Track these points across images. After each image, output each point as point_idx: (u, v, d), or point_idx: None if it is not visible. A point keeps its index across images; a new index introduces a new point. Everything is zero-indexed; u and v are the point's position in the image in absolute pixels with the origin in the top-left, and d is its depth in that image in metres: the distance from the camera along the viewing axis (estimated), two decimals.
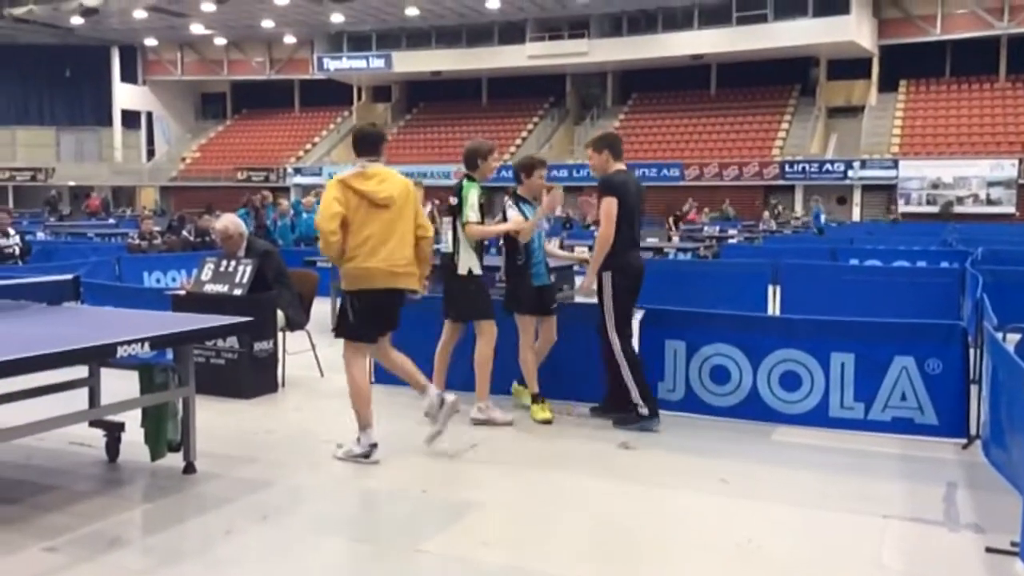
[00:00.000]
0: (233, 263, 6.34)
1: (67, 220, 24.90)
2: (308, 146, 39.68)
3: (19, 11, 32.35)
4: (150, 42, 39.22)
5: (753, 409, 5.59)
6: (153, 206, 35.92)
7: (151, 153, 40.89)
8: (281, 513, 4.06)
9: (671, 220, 20.25)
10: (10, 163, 38.40)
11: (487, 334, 5.50)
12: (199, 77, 41.29)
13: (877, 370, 5.35)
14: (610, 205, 5.32)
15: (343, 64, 37.59)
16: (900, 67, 32.30)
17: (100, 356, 3.89)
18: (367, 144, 4.80)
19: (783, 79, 33.88)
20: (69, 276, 5.31)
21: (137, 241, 12.18)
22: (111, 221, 24.97)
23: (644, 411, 5.38)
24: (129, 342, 3.93)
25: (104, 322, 4.79)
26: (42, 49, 37.53)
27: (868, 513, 4.04)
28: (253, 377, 6.22)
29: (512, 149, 35.63)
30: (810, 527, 3.94)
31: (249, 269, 6.25)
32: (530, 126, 36.90)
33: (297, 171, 37.27)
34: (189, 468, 4.53)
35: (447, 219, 5.72)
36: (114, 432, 4.71)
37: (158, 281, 10.85)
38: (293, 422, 5.80)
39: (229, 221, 6.67)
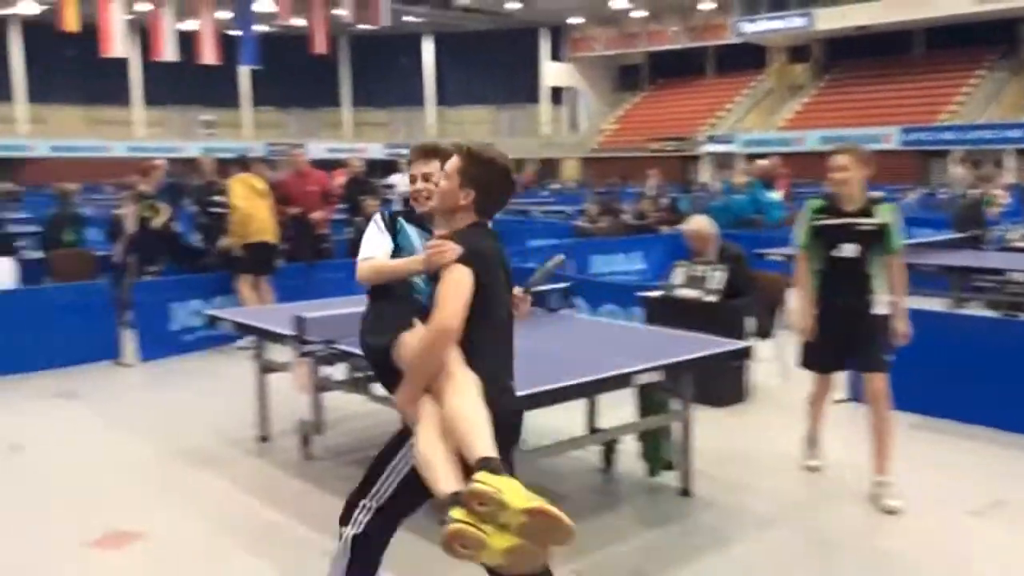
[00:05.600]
0: (705, 267, 6.22)
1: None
2: (721, 113, 39.06)
3: (465, 1, 36.08)
4: (575, 20, 41.29)
5: None
6: (576, 177, 38.08)
7: (574, 127, 43.28)
8: (804, 568, 3.81)
9: None
10: (457, 139, 43.15)
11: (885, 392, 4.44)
12: (618, 51, 42.64)
13: None
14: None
15: (759, 26, 36.23)
16: None
17: (617, 387, 3.92)
18: None
19: None
20: (565, 284, 5.54)
21: (583, 224, 12.80)
22: (544, 193, 26.84)
23: None
24: (645, 371, 3.94)
25: (605, 339, 4.89)
26: (484, 35, 41.45)
27: None
28: (725, 385, 6.07)
29: (951, 107, 31.75)
30: None
31: (721, 275, 6.09)
32: (973, 81, 32.49)
33: (710, 139, 36.91)
34: (685, 491, 4.49)
35: (854, 246, 4.37)
36: (611, 443, 4.84)
37: (604, 265, 11.27)
38: (773, 440, 5.53)
39: (704, 222, 6.56)
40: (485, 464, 2.40)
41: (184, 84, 38.40)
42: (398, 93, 43.91)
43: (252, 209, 8.17)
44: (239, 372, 7.33)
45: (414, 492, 2.77)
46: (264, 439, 5.51)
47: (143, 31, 33.31)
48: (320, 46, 31.90)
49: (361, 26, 34.82)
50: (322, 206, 9.43)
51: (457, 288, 2.66)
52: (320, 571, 3.78)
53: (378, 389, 4.59)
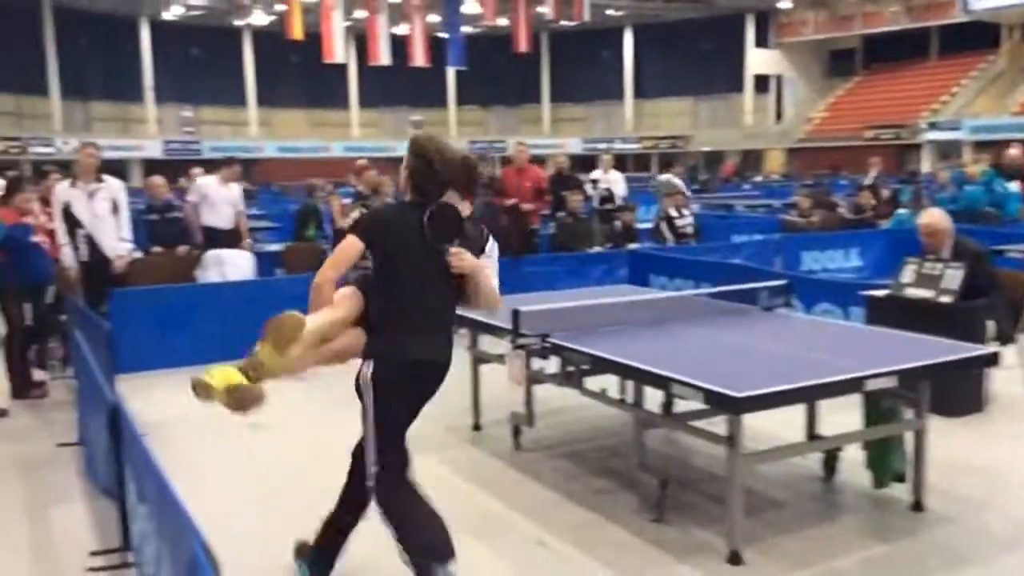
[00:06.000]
0: (939, 266, 5.76)
1: (707, 187, 26.39)
2: (945, 98, 36.14)
3: None
4: (783, 5, 39.64)
5: None
6: (780, 169, 36.59)
7: (779, 116, 41.60)
8: None
9: None
10: (655, 132, 42.72)
11: None
12: (830, 35, 40.49)
13: None
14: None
15: (992, 2, 33.17)
16: None
17: (845, 392, 3.71)
18: None
19: None
20: (782, 282, 5.33)
21: (793, 218, 12.26)
22: (747, 186, 25.96)
23: None
24: (878, 375, 3.70)
25: (828, 340, 4.65)
26: (685, 24, 40.68)
27: None
28: (961, 393, 5.59)
29: None
30: None
31: (958, 274, 5.61)
32: None
33: (932, 126, 34.25)
34: (917, 505, 4.19)
35: None
36: (833, 450, 4.59)
37: (815, 261, 10.75)
38: (1016, 454, 5.05)
39: (939, 216, 6.09)
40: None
41: (395, 86, 40.42)
42: (596, 87, 43.97)
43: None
44: None
45: (389, 434, 3.45)
46: (477, 428, 5.68)
47: (358, 38, 35.37)
48: (522, 44, 32.53)
49: (562, 22, 35.17)
50: (534, 201, 9.68)
51: (337, 253, 3.44)
52: (537, 561, 3.86)
53: (591, 384, 4.63)
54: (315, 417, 6.13)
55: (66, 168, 7.75)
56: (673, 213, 10.85)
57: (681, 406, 4.67)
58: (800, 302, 7.31)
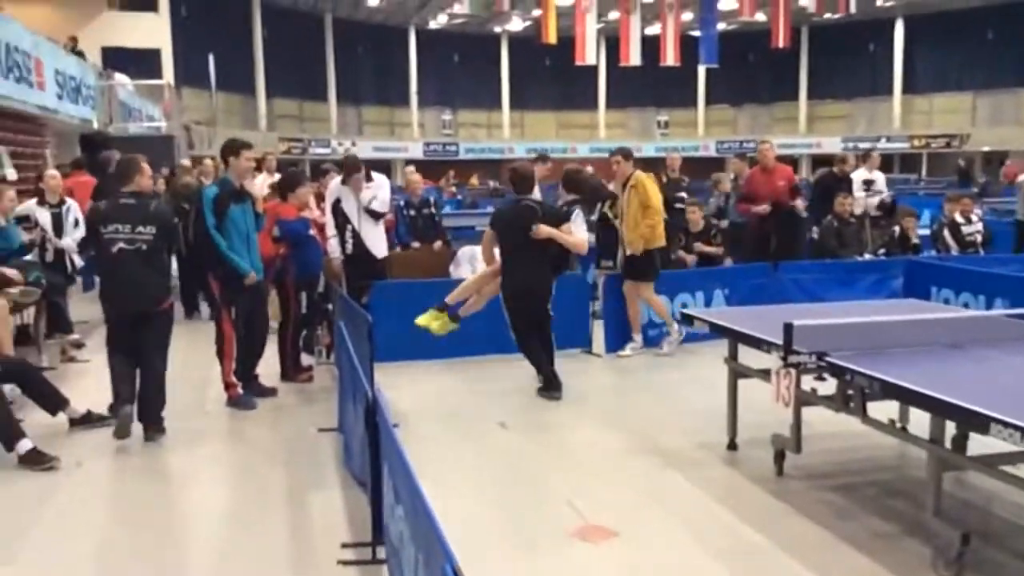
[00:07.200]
0: None
1: (986, 191, 23.58)
2: None
3: None
4: None
5: None
6: None
7: None
8: None
9: None
10: (926, 130, 39.09)
11: None
12: None
13: None
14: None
15: None
16: None
17: None
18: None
19: None
20: None
21: None
22: None
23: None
24: None
25: None
26: (967, 13, 36.82)
27: None
28: None
29: None
30: None
31: None
32: None
33: None
34: None
35: None
36: None
37: None
38: None
39: None
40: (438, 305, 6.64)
41: (643, 87, 40.07)
42: (860, 83, 40.96)
43: (661, 212, 7.67)
44: (700, 369, 7.21)
45: (510, 320, 6.61)
46: (732, 447, 5.25)
47: (608, 39, 35.39)
48: (781, 39, 31.01)
49: (826, 15, 33.13)
50: (792, 199, 9.06)
51: (484, 236, 6.88)
52: None
53: (874, 410, 4.08)
54: (555, 423, 6.00)
55: (341, 167, 8.15)
56: (959, 219, 9.67)
57: (978, 446, 3.96)
58: None
